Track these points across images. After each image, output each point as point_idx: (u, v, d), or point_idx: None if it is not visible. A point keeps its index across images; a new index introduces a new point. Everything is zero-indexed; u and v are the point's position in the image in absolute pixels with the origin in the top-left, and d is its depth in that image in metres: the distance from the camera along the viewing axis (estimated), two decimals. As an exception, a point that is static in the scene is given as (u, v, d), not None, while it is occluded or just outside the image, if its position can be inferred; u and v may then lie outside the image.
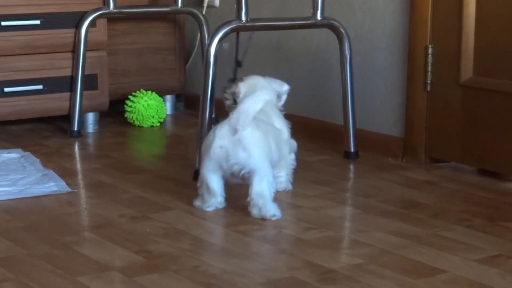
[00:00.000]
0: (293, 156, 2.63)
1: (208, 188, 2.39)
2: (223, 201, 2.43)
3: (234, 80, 2.74)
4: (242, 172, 2.33)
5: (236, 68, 2.83)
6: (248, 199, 2.35)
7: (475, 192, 2.65)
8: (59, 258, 2.08)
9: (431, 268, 2.01)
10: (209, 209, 2.42)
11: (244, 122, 2.31)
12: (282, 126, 2.57)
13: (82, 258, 2.08)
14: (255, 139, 2.33)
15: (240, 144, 2.31)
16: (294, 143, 2.62)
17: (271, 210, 2.34)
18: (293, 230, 2.31)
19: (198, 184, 2.44)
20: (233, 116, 2.32)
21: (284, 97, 2.66)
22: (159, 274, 1.98)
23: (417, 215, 2.43)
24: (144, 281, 1.93)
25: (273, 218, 2.35)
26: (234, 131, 2.32)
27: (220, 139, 2.32)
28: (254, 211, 2.34)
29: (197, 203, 2.45)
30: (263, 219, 2.34)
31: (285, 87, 2.65)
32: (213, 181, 2.37)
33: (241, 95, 2.52)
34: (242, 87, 2.55)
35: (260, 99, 2.34)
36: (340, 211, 2.50)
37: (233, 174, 2.36)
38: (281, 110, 2.66)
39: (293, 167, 2.64)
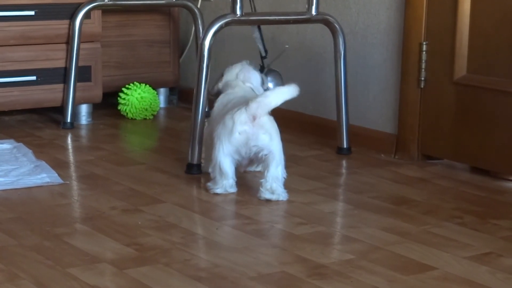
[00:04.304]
0: None
1: (220, 170, 2.51)
2: (234, 185, 2.54)
3: (263, 68, 3.12)
4: (261, 153, 2.48)
5: (262, 58, 3.14)
6: (262, 180, 2.49)
7: (466, 190, 2.66)
8: (50, 249, 2.08)
9: (421, 265, 2.01)
10: (219, 190, 2.53)
11: (263, 111, 2.47)
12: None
13: (73, 250, 2.08)
14: (273, 125, 2.51)
15: (261, 128, 2.47)
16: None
17: (282, 195, 2.50)
18: (285, 225, 2.31)
19: (210, 169, 2.55)
20: (253, 105, 2.46)
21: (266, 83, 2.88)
22: (150, 266, 1.98)
23: (408, 211, 2.43)
24: (135, 274, 1.93)
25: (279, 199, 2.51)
26: (253, 118, 2.46)
27: (241, 125, 2.47)
28: (265, 193, 2.49)
29: (209, 184, 2.56)
30: (269, 200, 2.48)
31: (259, 80, 2.83)
32: (226, 164, 2.50)
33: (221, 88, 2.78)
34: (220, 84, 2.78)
35: (283, 96, 2.50)
36: (331, 206, 2.50)
37: (248, 159, 2.52)
38: None
39: None
